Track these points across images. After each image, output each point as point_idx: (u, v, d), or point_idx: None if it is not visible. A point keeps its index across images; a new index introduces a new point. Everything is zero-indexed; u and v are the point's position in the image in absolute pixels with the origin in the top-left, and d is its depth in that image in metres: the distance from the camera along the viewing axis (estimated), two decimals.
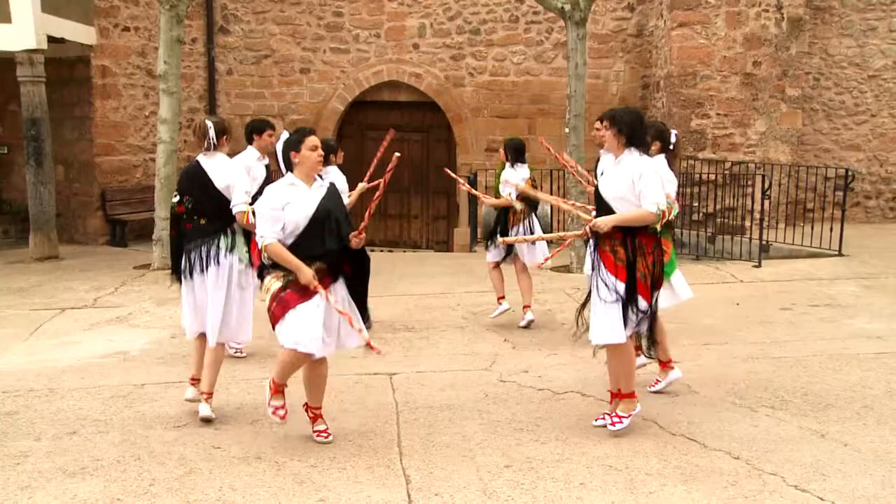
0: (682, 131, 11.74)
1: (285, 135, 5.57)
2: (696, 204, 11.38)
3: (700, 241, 11.02)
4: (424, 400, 5.26)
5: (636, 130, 4.53)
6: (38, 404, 5.23)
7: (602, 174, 4.98)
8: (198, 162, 4.96)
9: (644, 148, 4.59)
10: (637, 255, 4.49)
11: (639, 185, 4.44)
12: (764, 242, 10.15)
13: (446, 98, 13.92)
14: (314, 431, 4.59)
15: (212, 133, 4.90)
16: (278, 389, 4.54)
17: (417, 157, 14.15)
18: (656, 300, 4.63)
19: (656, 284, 4.59)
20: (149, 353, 6.44)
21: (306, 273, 4.24)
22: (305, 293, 4.27)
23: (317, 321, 4.27)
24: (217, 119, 5.16)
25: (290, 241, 4.32)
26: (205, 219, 4.92)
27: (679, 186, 11.58)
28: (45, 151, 11.01)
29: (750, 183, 11.11)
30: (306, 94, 14.07)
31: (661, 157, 5.28)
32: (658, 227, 4.54)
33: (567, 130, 9.92)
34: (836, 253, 10.04)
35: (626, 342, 4.56)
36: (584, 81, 10.14)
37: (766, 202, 10.38)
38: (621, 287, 4.46)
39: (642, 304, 4.50)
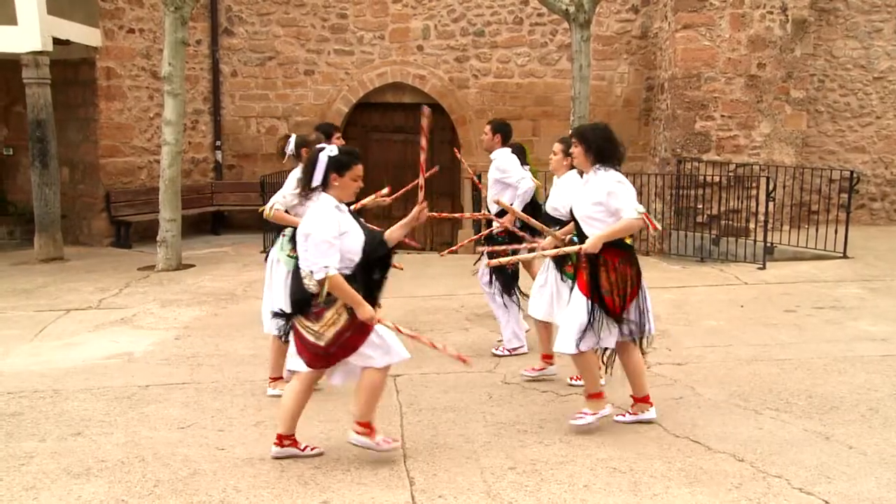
0: (687, 133, 11.74)
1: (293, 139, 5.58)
2: (700, 206, 11.37)
3: (704, 243, 11.01)
4: (428, 402, 5.26)
5: (605, 147, 4.56)
6: (42, 405, 5.24)
7: (557, 195, 5.34)
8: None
9: (614, 163, 4.59)
10: (600, 270, 4.52)
11: (612, 201, 4.47)
12: (768, 244, 10.14)
13: (450, 100, 13.92)
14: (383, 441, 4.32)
15: (290, 147, 5.37)
16: (372, 427, 4.24)
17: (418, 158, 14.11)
18: (636, 313, 4.62)
19: (626, 299, 4.57)
20: (153, 355, 6.45)
21: (367, 310, 3.97)
22: (365, 327, 4.06)
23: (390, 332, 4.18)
24: (301, 135, 5.53)
25: (345, 272, 3.99)
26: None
27: (683, 188, 11.69)
28: (50, 153, 11.04)
29: (754, 185, 11.09)
30: (311, 96, 14.09)
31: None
32: (628, 240, 4.55)
33: (571, 132, 9.90)
34: (841, 255, 10.02)
35: (582, 352, 4.58)
36: (589, 83, 10.14)
37: (771, 204, 10.36)
38: (582, 301, 4.53)
39: (611, 318, 4.53)
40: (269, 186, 12.18)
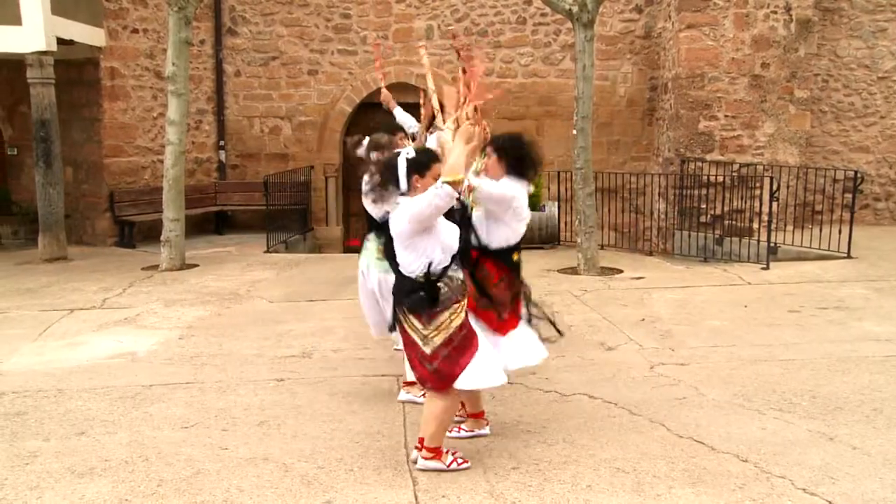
0: (690, 133, 11.73)
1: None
2: (703, 206, 11.36)
3: (708, 243, 11.00)
4: None
5: (518, 161, 4.35)
6: (46, 405, 5.25)
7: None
8: None
9: (523, 179, 4.35)
10: (479, 281, 4.31)
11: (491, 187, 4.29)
12: (772, 244, 10.12)
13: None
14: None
15: (362, 149, 5.29)
16: (440, 451, 4.09)
17: None
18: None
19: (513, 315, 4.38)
20: (157, 354, 6.45)
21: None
22: (471, 341, 3.93)
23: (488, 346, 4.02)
24: (378, 136, 5.37)
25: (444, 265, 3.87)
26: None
27: (687, 188, 11.68)
28: (55, 153, 11.06)
29: (758, 185, 11.07)
30: (314, 96, 14.10)
31: None
32: (515, 257, 4.36)
33: (574, 132, 9.92)
34: (845, 255, 10.00)
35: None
36: (592, 83, 10.12)
37: (775, 204, 10.35)
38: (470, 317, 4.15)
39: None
40: (273, 186, 12.23)
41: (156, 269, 10.21)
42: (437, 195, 3.70)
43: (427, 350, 3.88)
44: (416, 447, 4.16)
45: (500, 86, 13.77)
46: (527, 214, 4.44)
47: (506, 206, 4.30)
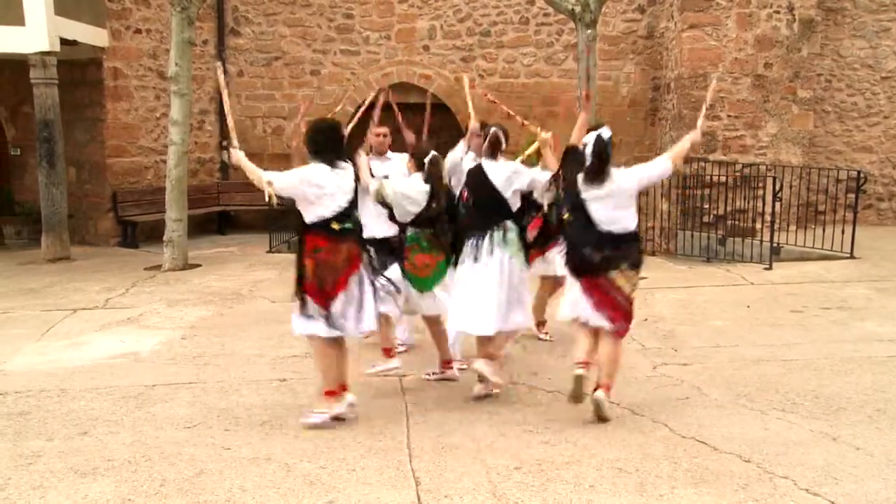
0: None
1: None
2: (706, 206, 11.35)
3: (711, 243, 10.98)
4: (434, 401, 5.26)
5: (313, 141, 4.82)
6: (49, 405, 5.26)
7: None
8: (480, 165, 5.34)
9: (322, 158, 4.75)
10: (301, 254, 4.75)
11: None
12: (775, 245, 10.10)
13: (456, 100, 13.89)
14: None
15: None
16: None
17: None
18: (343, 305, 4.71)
19: (324, 287, 4.66)
20: (159, 354, 6.46)
21: None
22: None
23: None
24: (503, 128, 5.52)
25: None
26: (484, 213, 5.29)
27: (689, 188, 11.67)
28: (58, 153, 11.07)
29: (761, 185, 11.05)
30: (317, 96, 14.10)
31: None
32: (337, 225, 4.70)
33: None
34: (848, 255, 9.99)
35: (315, 338, 4.73)
36: (595, 83, 10.12)
37: (777, 204, 10.33)
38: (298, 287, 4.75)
39: (311, 306, 4.67)
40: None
41: (158, 269, 10.22)
42: (668, 170, 5.02)
43: (632, 295, 4.81)
44: (598, 387, 4.83)
45: (503, 86, 13.80)
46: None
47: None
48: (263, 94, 14.18)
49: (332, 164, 4.76)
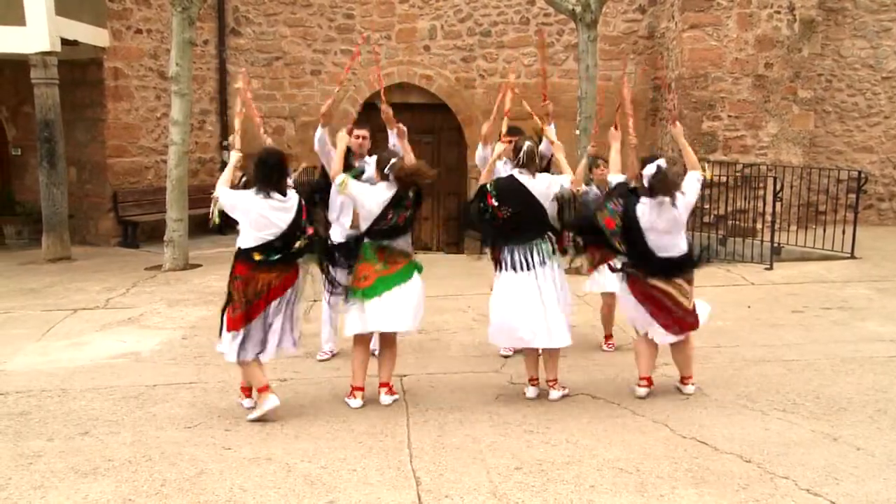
0: (694, 133, 11.71)
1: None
2: (707, 206, 11.34)
3: (711, 243, 10.96)
4: (435, 402, 5.26)
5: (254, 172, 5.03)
6: (50, 405, 5.26)
7: None
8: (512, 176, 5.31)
9: (258, 188, 4.92)
10: (230, 275, 4.93)
11: None
12: (775, 245, 10.10)
13: (457, 100, 13.92)
14: None
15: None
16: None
17: (428, 159, 13.86)
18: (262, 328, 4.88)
19: (249, 309, 4.82)
20: (160, 354, 6.46)
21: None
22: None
23: None
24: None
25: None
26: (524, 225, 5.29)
27: None
28: (58, 153, 11.08)
29: (761, 185, 11.05)
30: (317, 96, 14.09)
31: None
32: (258, 256, 4.83)
33: (577, 132, 9.91)
34: (849, 255, 9.98)
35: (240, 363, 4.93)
36: (595, 83, 10.12)
37: (778, 204, 10.33)
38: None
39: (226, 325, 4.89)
40: None
41: (159, 269, 10.22)
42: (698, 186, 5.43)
43: (689, 305, 5.23)
44: (684, 381, 5.40)
45: (502, 86, 13.78)
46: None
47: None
48: (264, 94, 14.16)
49: (267, 195, 4.85)
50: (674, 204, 5.07)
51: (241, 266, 4.87)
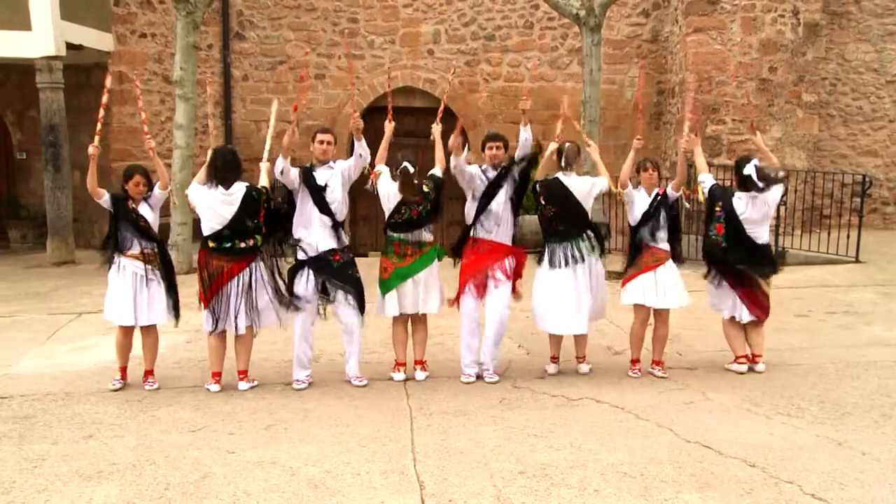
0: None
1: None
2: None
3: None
4: (438, 406, 5.26)
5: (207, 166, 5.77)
6: (54, 408, 5.27)
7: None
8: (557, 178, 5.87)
9: (208, 180, 5.67)
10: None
11: None
12: (780, 249, 10.06)
13: (461, 104, 13.87)
14: None
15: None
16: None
17: (432, 163, 14.10)
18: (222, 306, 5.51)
19: (209, 290, 5.50)
20: (164, 358, 6.46)
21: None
22: None
23: None
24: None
25: None
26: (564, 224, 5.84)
27: (693, 192, 11.61)
28: (63, 157, 11.11)
29: None
30: (321, 100, 14.13)
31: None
32: (212, 244, 5.53)
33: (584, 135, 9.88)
34: (854, 259, 9.97)
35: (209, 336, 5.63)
36: (599, 87, 10.13)
37: (782, 208, 10.32)
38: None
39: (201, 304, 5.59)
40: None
41: None
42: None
43: (768, 290, 5.90)
44: (753, 358, 5.96)
45: (507, 90, 13.80)
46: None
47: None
48: (268, 99, 14.11)
49: (215, 186, 5.52)
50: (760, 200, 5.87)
51: (201, 252, 5.60)
